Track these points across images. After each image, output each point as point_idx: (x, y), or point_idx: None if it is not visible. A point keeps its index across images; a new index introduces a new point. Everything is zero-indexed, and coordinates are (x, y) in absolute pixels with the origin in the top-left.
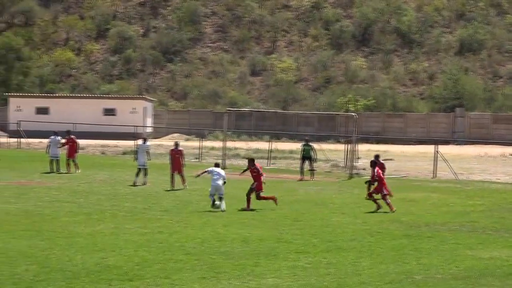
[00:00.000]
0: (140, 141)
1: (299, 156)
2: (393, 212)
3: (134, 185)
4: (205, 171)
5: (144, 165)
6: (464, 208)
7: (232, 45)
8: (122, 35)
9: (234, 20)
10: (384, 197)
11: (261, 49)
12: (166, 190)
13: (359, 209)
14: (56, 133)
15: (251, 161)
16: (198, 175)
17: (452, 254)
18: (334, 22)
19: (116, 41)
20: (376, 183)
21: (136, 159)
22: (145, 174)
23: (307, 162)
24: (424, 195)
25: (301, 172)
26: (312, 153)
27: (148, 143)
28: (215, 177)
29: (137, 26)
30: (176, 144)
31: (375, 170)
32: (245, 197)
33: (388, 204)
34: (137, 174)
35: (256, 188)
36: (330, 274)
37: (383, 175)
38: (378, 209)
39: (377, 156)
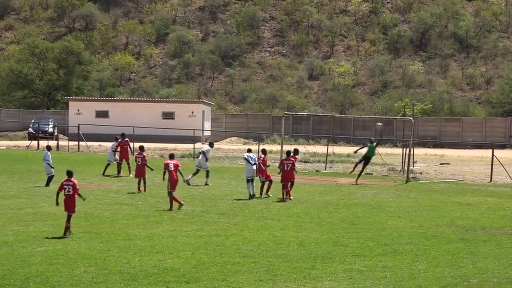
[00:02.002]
0: (207, 146)
1: (359, 155)
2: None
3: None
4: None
5: (199, 167)
6: None
7: (290, 49)
8: (181, 39)
9: (292, 24)
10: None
11: (319, 54)
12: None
13: (416, 213)
14: (117, 139)
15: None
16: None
17: (508, 258)
18: (392, 26)
19: (175, 45)
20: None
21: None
22: (194, 174)
23: (363, 163)
24: (480, 199)
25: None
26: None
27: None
28: (251, 162)
29: (196, 31)
30: (264, 151)
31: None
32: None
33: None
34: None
35: (170, 187)
36: (386, 277)
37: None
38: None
39: (296, 151)
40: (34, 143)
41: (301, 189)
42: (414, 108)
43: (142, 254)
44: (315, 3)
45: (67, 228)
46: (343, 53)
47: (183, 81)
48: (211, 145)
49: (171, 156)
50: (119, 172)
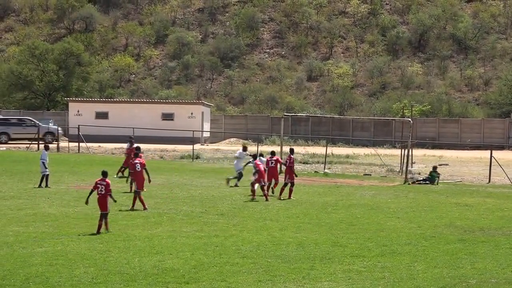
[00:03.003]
0: (240, 150)
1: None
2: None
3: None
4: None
5: (238, 170)
6: None
7: (289, 50)
8: (181, 41)
9: (291, 26)
10: (262, 187)
11: (318, 55)
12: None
13: (414, 214)
14: (131, 141)
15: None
16: None
17: (506, 258)
18: (391, 28)
19: (174, 46)
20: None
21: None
22: (239, 179)
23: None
24: (478, 200)
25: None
26: (435, 181)
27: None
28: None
29: (195, 32)
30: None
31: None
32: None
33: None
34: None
35: (137, 187)
36: (384, 278)
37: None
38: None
39: (260, 154)
40: (34, 144)
41: (300, 190)
42: (413, 109)
43: (141, 254)
44: (314, 5)
45: (106, 224)
46: (342, 55)
47: (183, 83)
48: (244, 149)
49: (136, 155)
50: (119, 172)
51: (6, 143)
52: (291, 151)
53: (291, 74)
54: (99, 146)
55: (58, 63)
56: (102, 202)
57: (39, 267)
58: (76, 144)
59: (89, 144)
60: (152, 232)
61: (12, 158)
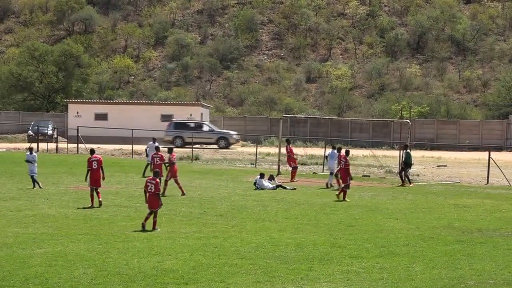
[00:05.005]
0: (330, 150)
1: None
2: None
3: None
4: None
5: (332, 169)
6: None
7: (288, 52)
8: (180, 42)
9: (290, 27)
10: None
11: (317, 57)
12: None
13: (412, 215)
14: (154, 140)
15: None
16: None
17: (504, 259)
18: (389, 30)
19: (173, 48)
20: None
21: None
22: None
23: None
24: (477, 201)
25: (401, 178)
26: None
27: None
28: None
29: (194, 34)
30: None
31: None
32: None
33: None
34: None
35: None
36: (383, 279)
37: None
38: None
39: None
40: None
41: (299, 191)
42: (411, 110)
43: (140, 255)
44: (313, 7)
45: (154, 223)
46: (340, 56)
47: (182, 84)
48: (334, 148)
49: (92, 152)
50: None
51: (181, 147)
52: (347, 152)
53: (290, 75)
54: (98, 147)
55: (57, 64)
56: (153, 200)
57: (38, 268)
58: (75, 145)
59: (88, 145)
60: (151, 233)
61: (11, 160)
